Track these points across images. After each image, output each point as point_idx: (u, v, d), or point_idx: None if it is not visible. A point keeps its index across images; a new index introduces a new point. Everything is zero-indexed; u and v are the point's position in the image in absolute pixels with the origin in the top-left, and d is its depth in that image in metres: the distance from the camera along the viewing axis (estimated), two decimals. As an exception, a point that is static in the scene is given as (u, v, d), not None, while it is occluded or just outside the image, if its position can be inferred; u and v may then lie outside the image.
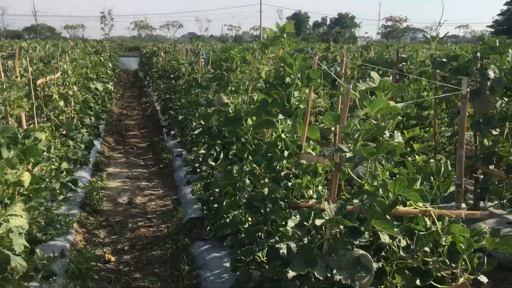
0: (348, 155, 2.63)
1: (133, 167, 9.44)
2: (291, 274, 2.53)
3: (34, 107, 6.08)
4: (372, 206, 2.68)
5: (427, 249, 2.80)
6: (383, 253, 2.88)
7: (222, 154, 4.61)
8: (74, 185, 6.82)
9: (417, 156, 3.45)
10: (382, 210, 2.77)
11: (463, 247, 2.68)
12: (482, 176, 5.91)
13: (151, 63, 20.49)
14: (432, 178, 3.18)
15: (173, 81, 10.71)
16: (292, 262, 2.65)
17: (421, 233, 2.72)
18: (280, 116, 3.70)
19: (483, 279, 2.96)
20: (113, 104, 16.69)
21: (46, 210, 5.16)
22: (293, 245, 2.97)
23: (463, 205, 3.34)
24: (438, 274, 2.76)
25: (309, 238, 2.85)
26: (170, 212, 6.83)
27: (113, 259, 5.34)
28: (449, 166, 3.26)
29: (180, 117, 9.10)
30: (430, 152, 6.73)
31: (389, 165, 2.98)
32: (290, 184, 3.37)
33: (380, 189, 2.76)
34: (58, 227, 5.33)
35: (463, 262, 2.81)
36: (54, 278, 4.04)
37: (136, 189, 8.02)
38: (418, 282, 2.73)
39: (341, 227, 2.74)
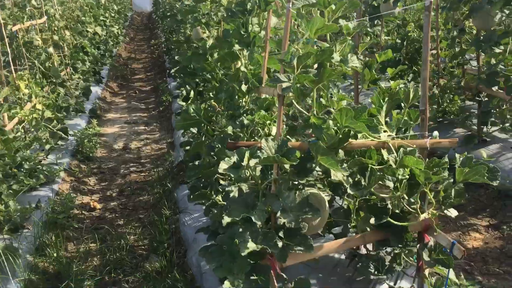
0: (285, 85, 2.30)
1: (133, 111, 9.26)
2: (225, 220, 2.29)
3: (10, 55, 5.85)
4: (319, 141, 2.38)
5: (390, 184, 2.52)
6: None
7: (192, 93, 4.31)
8: (64, 133, 6.69)
9: (391, 82, 3.08)
10: (332, 144, 2.48)
11: (421, 180, 2.38)
12: (486, 99, 5.46)
13: (158, 3, 19.87)
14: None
15: (168, 19, 10.27)
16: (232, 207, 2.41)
17: (374, 167, 2.42)
18: (237, 47, 3.35)
19: (452, 213, 2.67)
20: (121, 48, 16.36)
21: (25, 160, 5.06)
22: (244, 186, 2.72)
23: (435, 133, 3.01)
24: (397, 211, 2.49)
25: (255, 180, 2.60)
26: (163, 156, 6.67)
27: (98, 206, 5.25)
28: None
29: (176, 57, 8.76)
30: (432, 78, 6.26)
31: (343, 93, 2.64)
32: (246, 121, 3.08)
33: (331, 122, 2.44)
34: (41, 177, 5.24)
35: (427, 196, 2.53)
36: (21, 230, 3.97)
37: (133, 134, 7.87)
38: (372, 220, 2.46)
39: (287, 166, 2.47)
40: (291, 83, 2.28)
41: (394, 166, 2.34)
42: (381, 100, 2.91)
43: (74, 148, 6.73)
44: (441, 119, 6.24)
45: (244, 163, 2.29)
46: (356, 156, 2.44)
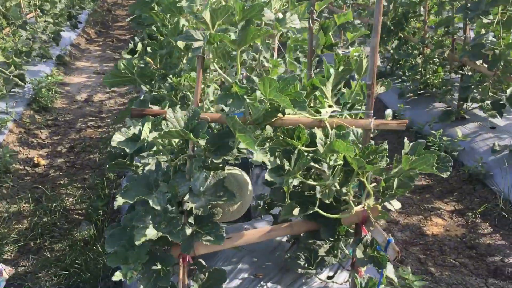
0: (196, 44, 1.89)
1: (106, 61, 8.76)
2: (117, 202, 1.93)
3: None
4: (235, 116, 1.99)
5: (326, 170, 2.15)
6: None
7: (140, 45, 3.87)
8: (21, 80, 6.25)
9: (350, 48, 2.66)
10: (256, 119, 2.09)
11: (355, 168, 2.01)
12: (470, 73, 5.04)
13: None
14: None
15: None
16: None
17: (302, 150, 2.04)
18: (179, -4, 2.91)
19: (394, 205, 2.33)
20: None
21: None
22: (163, 159, 2.34)
23: (388, 111, 2.62)
24: (327, 201, 2.13)
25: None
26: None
27: (43, 162, 4.88)
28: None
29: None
30: (418, 46, 5.82)
31: (278, 60, 2.23)
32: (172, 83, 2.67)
33: (259, 93, 2.04)
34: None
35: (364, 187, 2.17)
36: None
37: (100, 85, 7.41)
38: (296, 211, 2.11)
39: (202, 142, 2.08)
40: (203, 42, 1.86)
41: (322, 150, 1.96)
42: (329, 70, 2.51)
43: (32, 97, 6.29)
44: (422, 91, 5.85)
45: (143, 136, 1.90)
46: (282, 136, 2.06)
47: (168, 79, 2.60)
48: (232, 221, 2.69)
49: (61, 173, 4.70)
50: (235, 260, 2.98)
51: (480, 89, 4.85)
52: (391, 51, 6.22)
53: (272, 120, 2.12)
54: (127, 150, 1.89)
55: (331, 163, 2.03)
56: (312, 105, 2.52)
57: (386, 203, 2.30)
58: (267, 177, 1.99)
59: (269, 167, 2.09)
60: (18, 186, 4.36)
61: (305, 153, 2.06)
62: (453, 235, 3.72)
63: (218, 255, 2.99)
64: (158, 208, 1.91)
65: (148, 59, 3.08)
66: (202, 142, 2.07)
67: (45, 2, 7.98)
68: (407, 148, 2.27)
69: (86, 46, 9.65)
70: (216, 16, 1.85)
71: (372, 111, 2.24)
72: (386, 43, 6.24)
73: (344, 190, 2.09)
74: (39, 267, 3.29)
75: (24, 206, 4.04)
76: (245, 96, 2.02)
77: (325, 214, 2.14)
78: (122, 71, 2.96)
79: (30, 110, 6.00)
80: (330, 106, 2.45)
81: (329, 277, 2.84)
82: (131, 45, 3.80)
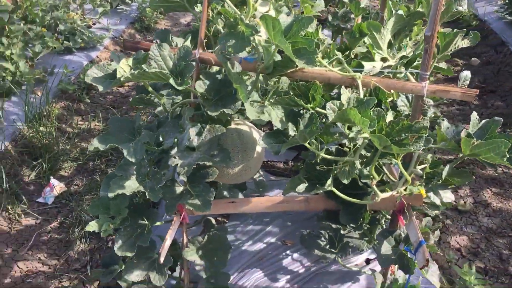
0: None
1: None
2: (90, 147, 1.69)
3: None
4: (227, 62, 1.60)
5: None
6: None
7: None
8: (128, -3, 6.28)
9: None
10: (268, 67, 1.67)
11: (378, 147, 1.52)
12: None
13: None
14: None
15: None
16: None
17: (313, 112, 1.59)
18: None
19: (441, 197, 1.81)
20: None
21: (58, 20, 4.76)
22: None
23: (464, 73, 2.02)
24: (345, 181, 1.68)
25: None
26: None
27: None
28: None
29: None
30: None
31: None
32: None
33: (263, 33, 1.61)
34: (79, 41, 4.96)
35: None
36: (31, 95, 3.73)
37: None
38: (301, 187, 1.70)
39: (200, 90, 1.73)
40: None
41: (331, 117, 1.49)
42: (391, 12, 1.95)
43: (137, 16, 6.32)
44: None
45: (118, 74, 1.60)
46: (291, 93, 1.61)
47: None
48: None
49: (141, 96, 4.66)
50: (267, 221, 2.68)
51: None
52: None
53: (288, 71, 1.68)
54: (100, 88, 1.62)
55: (352, 135, 1.56)
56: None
57: (430, 194, 1.78)
58: (261, 142, 1.60)
59: (278, 126, 1.69)
60: (96, 104, 4.41)
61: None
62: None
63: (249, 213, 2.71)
64: (133, 160, 1.63)
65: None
66: (200, 89, 1.72)
67: None
68: (474, 126, 1.71)
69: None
70: None
71: (428, 73, 1.68)
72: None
73: (365, 171, 1.62)
74: (87, 189, 3.30)
75: (96, 125, 4.09)
76: (251, 37, 1.60)
77: (340, 195, 1.70)
78: None
79: (131, 29, 6.04)
80: (384, 59, 1.92)
81: (368, 261, 2.43)
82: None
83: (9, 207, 2.99)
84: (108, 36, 5.46)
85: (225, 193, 2.24)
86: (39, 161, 3.41)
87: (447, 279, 2.54)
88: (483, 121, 1.74)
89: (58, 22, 4.87)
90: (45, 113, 3.87)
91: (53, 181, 3.27)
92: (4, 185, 3.07)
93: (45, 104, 3.94)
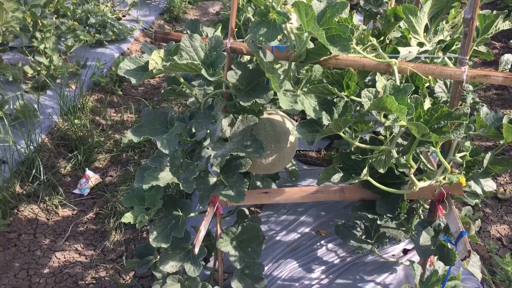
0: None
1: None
2: (124, 140, 1.70)
3: None
4: (260, 49, 1.57)
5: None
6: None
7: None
8: (157, -11, 6.28)
9: None
10: (301, 55, 1.64)
11: (416, 135, 1.47)
12: None
13: None
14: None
15: None
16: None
17: (347, 100, 1.55)
18: None
19: (482, 186, 1.75)
20: None
21: (89, 13, 4.81)
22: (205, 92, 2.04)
23: (506, 56, 1.94)
24: (382, 170, 1.63)
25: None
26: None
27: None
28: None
29: None
30: None
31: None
32: None
33: (295, 20, 1.57)
34: (110, 33, 5.01)
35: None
36: (66, 89, 3.79)
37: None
38: (336, 177, 1.67)
39: (232, 79, 1.71)
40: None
41: (366, 106, 1.45)
42: (429, -7, 1.89)
43: (166, 6, 6.33)
44: None
45: (150, 66, 1.59)
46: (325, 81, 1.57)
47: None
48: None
49: (172, 87, 4.69)
50: (301, 211, 2.66)
51: None
52: None
53: (322, 59, 1.64)
54: (133, 80, 1.61)
55: (388, 123, 1.52)
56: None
57: (471, 182, 1.72)
58: (295, 132, 1.57)
59: (312, 116, 1.66)
60: (128, 96, 4.46)
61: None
62: None
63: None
64: (166, 151, 1.63)
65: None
66: (232, 80, 1.70)
67: None
68: (516, 112, 1.63)
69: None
70: None
71: (467, 57, 1.61)
72: None
73: (402, 160, 1.58)
74: (121, 180, 3.34)
75: (129, 117, 4.13)
76: (283, 25, 1.57)
77: (377, 184, 1.66)
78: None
79: (161, 20, 6.06)
80: (420, 44, 1.86)
81: (405, 251, 2.39)
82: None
83: (46, 198, 3.06)
84: (138, 28, 5.49)
85: (258, 183, 2.23)
86: (74, 153, 3.47)
87: (488, 269, 2.47)
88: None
89: (89, 15, 4.92)
90: (79, 106, 3.93)
91: (88, 172, 3.32)
92: (42, 177, 3.14)
93: (79, 97, 4.00)
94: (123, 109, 4.19)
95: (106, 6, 5.37)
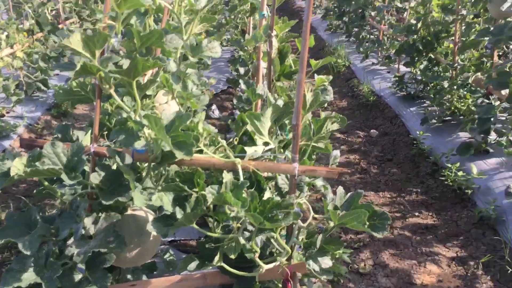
0: (71, 73, 1.70)
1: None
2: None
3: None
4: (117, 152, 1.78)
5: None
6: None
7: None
8: (44, 85, 6.38)
9: (316, 77, 2.39)
10: (157, 157, 1.86)
11: (255, 224, 1.72)
12: (498, 103, 4.51)
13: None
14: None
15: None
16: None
17: (199, 196, 1.79)
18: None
19: (319, 264, 2.01)
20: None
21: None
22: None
23: (335, 152, 2.31)
24: (232, 256, 1.85)
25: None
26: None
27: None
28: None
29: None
30: (447, 67, 5.33)
31: (196, 89, 1.99)
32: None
33: (147, 131, 1.82)
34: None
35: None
36: None
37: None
38: (192, 265, 1.85)
39: (95, 180, 1.88)
40: (75, 71, 1.67)
41: (210, 200, 1.69)
42: (271, 103, 2.24)
43: (53, 102, 6.39)
44: (449, 117, 5.34)
45: (12, 172, 1.72)
46: (177, 180, 1.81)
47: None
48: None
49: (55, 183, 4.67)
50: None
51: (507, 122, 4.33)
52: (419, 73, 5.76)
53: (176, 160, 1.87)
54: (-3, 186, 1.73)
55: (233, 214, 1.76)
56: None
57: (310, 261, 1.99)
58: (150, 227, 1.75)
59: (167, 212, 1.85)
60: (8, 194, 4.37)
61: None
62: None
63: None
64: (28, 253, 1.72)
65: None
66: (95, 181, 1.86)
67: (82, 9, 8.14)
68: (341, 199, 1.96)
69: (126, 52, 9.77)
70: (93, 44, 1.64)
71: (297, 155, 1.94)
72: (414, 64, 5.77)
73: (248, 246, 1.81)
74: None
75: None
76: (139, 133, 1.80)
77: (229, 269, 1.86)
78: (74, 89, 2.82)
79: (48, 116, 6.09)
80: (266, 143, 2.17)
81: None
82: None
83: None
84: (22, 124, 5.48)
85: (129, 276, 2.32)
86: None
87: None
88: (349, 194, 2.01)
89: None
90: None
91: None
92: None
93: None
94: (1, 208, 4.09)
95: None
